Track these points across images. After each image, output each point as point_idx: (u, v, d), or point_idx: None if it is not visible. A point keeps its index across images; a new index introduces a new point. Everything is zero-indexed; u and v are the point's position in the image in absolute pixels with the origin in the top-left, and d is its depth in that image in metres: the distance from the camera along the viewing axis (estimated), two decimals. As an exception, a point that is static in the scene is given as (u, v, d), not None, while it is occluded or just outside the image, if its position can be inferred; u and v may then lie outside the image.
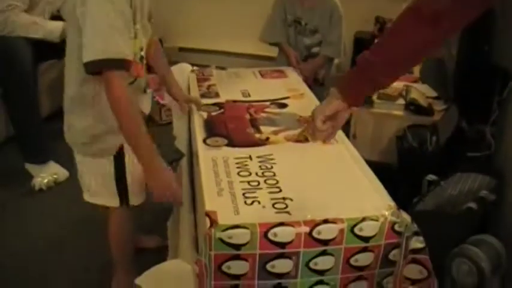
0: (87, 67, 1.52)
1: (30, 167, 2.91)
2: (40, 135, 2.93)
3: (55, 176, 2.85)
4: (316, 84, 2.91)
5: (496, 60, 2.43)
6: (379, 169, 1.71)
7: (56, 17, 3.13)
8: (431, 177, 2.11)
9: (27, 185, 2.83)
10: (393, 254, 1.42)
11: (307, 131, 1.58)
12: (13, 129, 2.96)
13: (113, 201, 1.83)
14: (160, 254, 1.84)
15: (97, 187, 1.81)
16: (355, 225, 1.36)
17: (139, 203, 1.88)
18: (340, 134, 1.86)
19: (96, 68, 1.52)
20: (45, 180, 2.82)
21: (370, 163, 1.70)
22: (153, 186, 1.65)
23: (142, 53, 1.74)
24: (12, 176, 2.93)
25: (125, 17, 1.55)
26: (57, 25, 2.94)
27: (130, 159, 1.76)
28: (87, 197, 1.86)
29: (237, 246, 1.33)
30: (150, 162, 1.62)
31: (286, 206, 1.42)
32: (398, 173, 2.41)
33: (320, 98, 2.25)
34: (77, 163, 1.84)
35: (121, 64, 1.53)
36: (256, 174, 1.57)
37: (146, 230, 2.23)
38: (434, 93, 2.77)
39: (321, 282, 1.40)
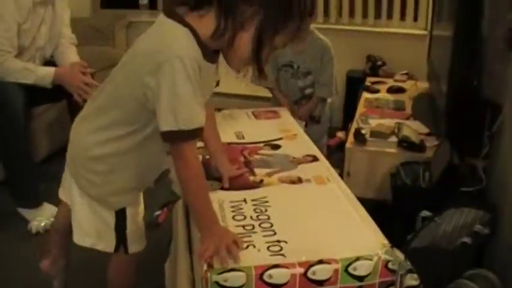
0: (165, 136, 1.45)
1: (23, 212, 2.92)
2: (32, 179, 2.93)
3: (52, 219, 2.83)
4: (313, 122, 2.96)
5: (486, 94, 2.47)
6: (374, 206, 1.74)
7: (49, 62, 3.18)
8: (425, 213, 2.13)
9: (23, 228, 2.83)
10: (388, 292, 1.43)
11: None
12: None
13: (108, 247, 1.76)
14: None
15: (94, 230, 1.75)
16: (349, 265, 1.38)
17: (139, 250, 1.83)
18: (333, 173, 1.89)
19: (177, 139, 1.45)
20: (43, 224, 2.81)
21: (364, 200, 1.73)
22: (209, 243, 1.44)
23: None
24: (8, 219, 2.93)
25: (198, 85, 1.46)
26: (49, 71, 2.98)
27: (131, 213, 1.74)
28: (77, 239, 1.76)
29: (234, 290, 1.35)
30: (211, 227, 1.50)
31: (281, 249, 1.44)
32: (393, 209, 2.44)
33: (316, 136, 2.29)
34: (73, 199, 1.75)
35: (199, 133, 1.48)
36: (251, 217, 1.59)
37: (143, 271, 2.23)
38: (426, 130, 2.81)
39: (317, 322, 1.42)
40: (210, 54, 1.49)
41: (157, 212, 2.87)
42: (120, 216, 1.73)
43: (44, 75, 2.96)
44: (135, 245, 1.81)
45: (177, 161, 1.49)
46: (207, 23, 1.45)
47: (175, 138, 1.45)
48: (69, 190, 1.78)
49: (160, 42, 1.45)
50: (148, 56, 1.44)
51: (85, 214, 1.74)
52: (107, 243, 1.76)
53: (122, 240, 1.76)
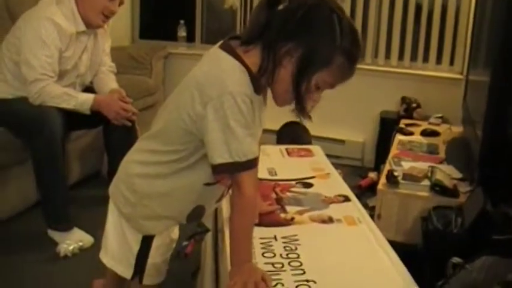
0: (218, 168, 1.47)
1: (53, 234, 2.94)
2: (65, 203, 2.97)
3: (80, 244, 2.86)
4: None
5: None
6: (404, 250, 1.72)
7: (88, 88, 3.27)
8: (456, 259, 2.10)
9: (53, 250, 2.85)
10: (416, 339, 1.42)
11: None
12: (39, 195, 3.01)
13: (126, 272, 1.77)
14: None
15: (117, 251, 1.78)
16: (378, 309, 1.37)
17: (154, 283, 1.82)
18: (364, 214, 1.88)
19: (231, 170, 1.48)
20: (71, 247, 2.84)
21: (394, 244, 1.71)
22: (237, 279, 1.46)
23: None
24: (38, 241, 2.95)
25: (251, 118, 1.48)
26: (88, 97, 3.05)
27: (158, 244, 1.74)
28: (102, 256, 1.82)
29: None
30: (243, 264, 1.50)
31: (310, 288, 1.43)
32: (423, 254, 2.40)
33: None
34: (108, 218, 1.78)
35: (254, 163, 1.49)
36: (281, 255, 1.59)
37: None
38: (459, 175, 2.79)
39: None
40: (259, 87, 1.51)
41: (185, 243, 2.88)
42: (145, 243, 1.73)
43: (84, 101, 3.02)
44: (151, 278, 1.80)
45: (234, 190, 1.53)
46: (253, 58, 1.48)
47: (232, 170, 1.47)
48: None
49: (214, 75, 1.47)
50: (201, 87, 1.47)
51: (113, 235, 1.77)
52: (124, 269, 1.78)
53: (139, 270, 1.76)
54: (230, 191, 1.70)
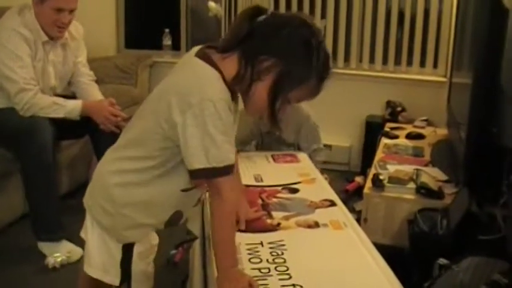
0: (196, 173, 1.49)
1: (43, 246, 2.92)
2: (56, 212, 2.95)
3: (68, 255, 2.85)
4: None
5: (505, 142, 2.47)
6: (391, 253, 1.73)
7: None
8: (442, 261, 2.11)
9: (41, 262, 2.83)
10: None
11: None
12: (28, 206, 2.98)
13: (114, 280, 1.76)
14: None
15: (102, 262, 1.75)
16: (364, 312, 1.38)
17: None
18: (350, 219, 1.89)
19: (208, 176, 1.50)
20: (59, 259, 2.83)
21: (381, 247, 1.72)
22: (225, 286, 1.50)
23: None
24: (26, 253, 2.94)
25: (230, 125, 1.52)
26: (77, 104, 3.04)
27: (139, 251, 1.74)
28: (86, 268, 1.79)
29: (248, 333, 1.35)
30: (229, 269, 1.52)
31: (296, 293, 1.44)
32: (410, 256, 2.42)
33: None
34: (87, 231, 1.77)
35: (231, 169, 1.51)
36: (267, 261, 1.60)
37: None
38: (445, 177, 2.80)
39: None
40: (234, 94, 1.54)
41: (173, 251, 2.87)
42: (127, 251, 1.73)
43: (73, 108, 3.02)
44: (140, 284, 1.79)
45: (213, 195, 1.54)
46: (229, 65, 1.51)
47: (209, 175, 1.49)
48: (85, 223, 1.80)
49: (193, 83, 1.48)
50: (179, 94, 1.48)
51: (95, 246, 1.76)
52: (112, 277, 1.76)
53: (126, 277, 1.76)
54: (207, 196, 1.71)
